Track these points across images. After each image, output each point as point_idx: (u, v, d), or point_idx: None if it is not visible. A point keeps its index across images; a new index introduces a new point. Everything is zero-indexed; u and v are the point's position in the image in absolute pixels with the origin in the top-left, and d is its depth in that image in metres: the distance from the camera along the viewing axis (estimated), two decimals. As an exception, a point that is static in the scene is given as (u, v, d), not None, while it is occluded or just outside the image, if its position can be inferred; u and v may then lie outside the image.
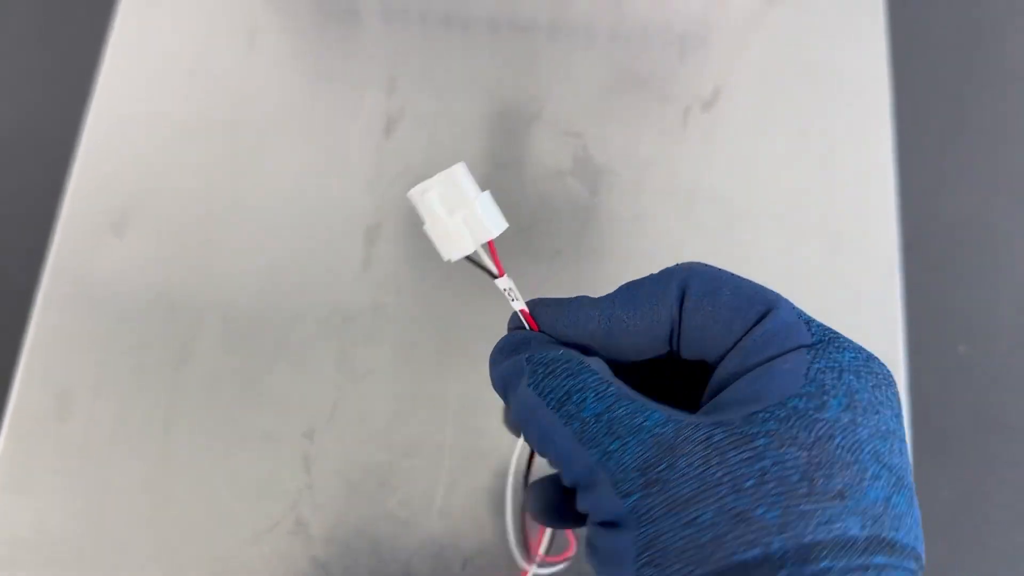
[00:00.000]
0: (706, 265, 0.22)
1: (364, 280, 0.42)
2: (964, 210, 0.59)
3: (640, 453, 0.19)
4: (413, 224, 0.43)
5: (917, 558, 0.19)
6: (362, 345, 0.40)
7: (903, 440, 0.20)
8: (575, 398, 0.20)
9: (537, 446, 0.21)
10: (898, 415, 0.20)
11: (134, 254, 0.42)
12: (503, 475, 0.38)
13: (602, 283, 0.42)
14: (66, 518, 0.38)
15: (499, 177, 0.44)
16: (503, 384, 0.22)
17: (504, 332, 0.25)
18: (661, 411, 0.20)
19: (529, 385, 0.21)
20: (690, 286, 0.22)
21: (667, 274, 0.22)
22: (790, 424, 0.19)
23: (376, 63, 0.46)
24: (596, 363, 0.22)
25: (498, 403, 0.39)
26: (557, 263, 0.42)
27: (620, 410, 0.20)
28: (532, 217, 0.43)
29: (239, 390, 0.40)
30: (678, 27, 0.47)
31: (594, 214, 0.43)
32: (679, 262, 0.23)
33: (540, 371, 0.21)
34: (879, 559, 0.18)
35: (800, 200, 0.44)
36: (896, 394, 0.21)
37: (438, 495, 0.38)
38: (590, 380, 0.21)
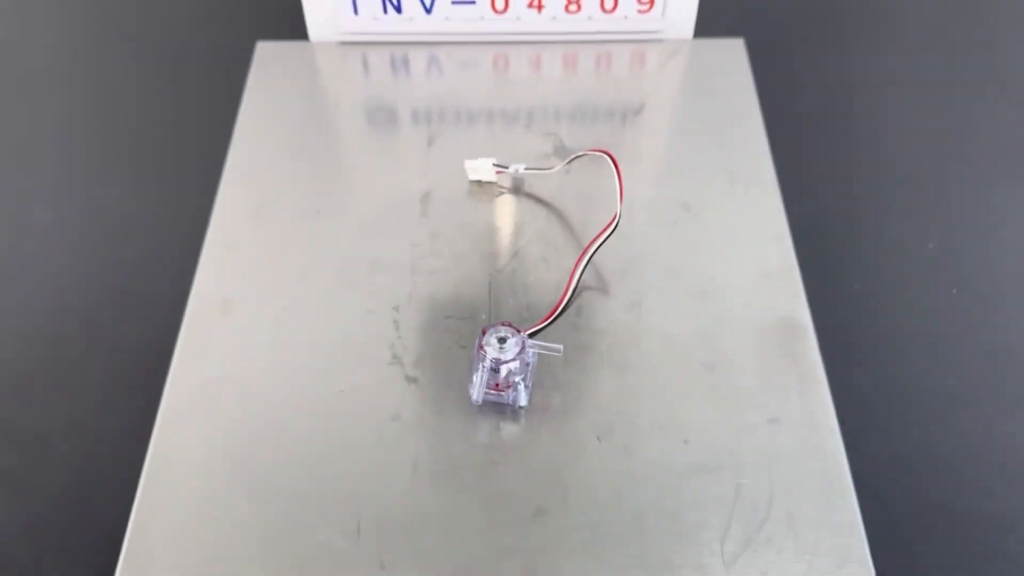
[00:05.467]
0: None
1: (424, 223, 0.60)
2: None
3: None
4: (455, 190, 0.63)
5: None
6: (428, 257, 0.58)
7: None
8: None
9: None
10: None
11: (265, 225, 0.61)
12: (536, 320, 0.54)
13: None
14: (228, 372, 0.53)
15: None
16: None
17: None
18: None
19: None
20: None
21: None
22: None
23: (416, 103, 0.69)
24: None
25: (529, 273, 0.56)
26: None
27: None
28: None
29: (348, 287, 0.57)
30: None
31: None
32: None
33: None
34: None
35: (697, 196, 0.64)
36: None
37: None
38: None
